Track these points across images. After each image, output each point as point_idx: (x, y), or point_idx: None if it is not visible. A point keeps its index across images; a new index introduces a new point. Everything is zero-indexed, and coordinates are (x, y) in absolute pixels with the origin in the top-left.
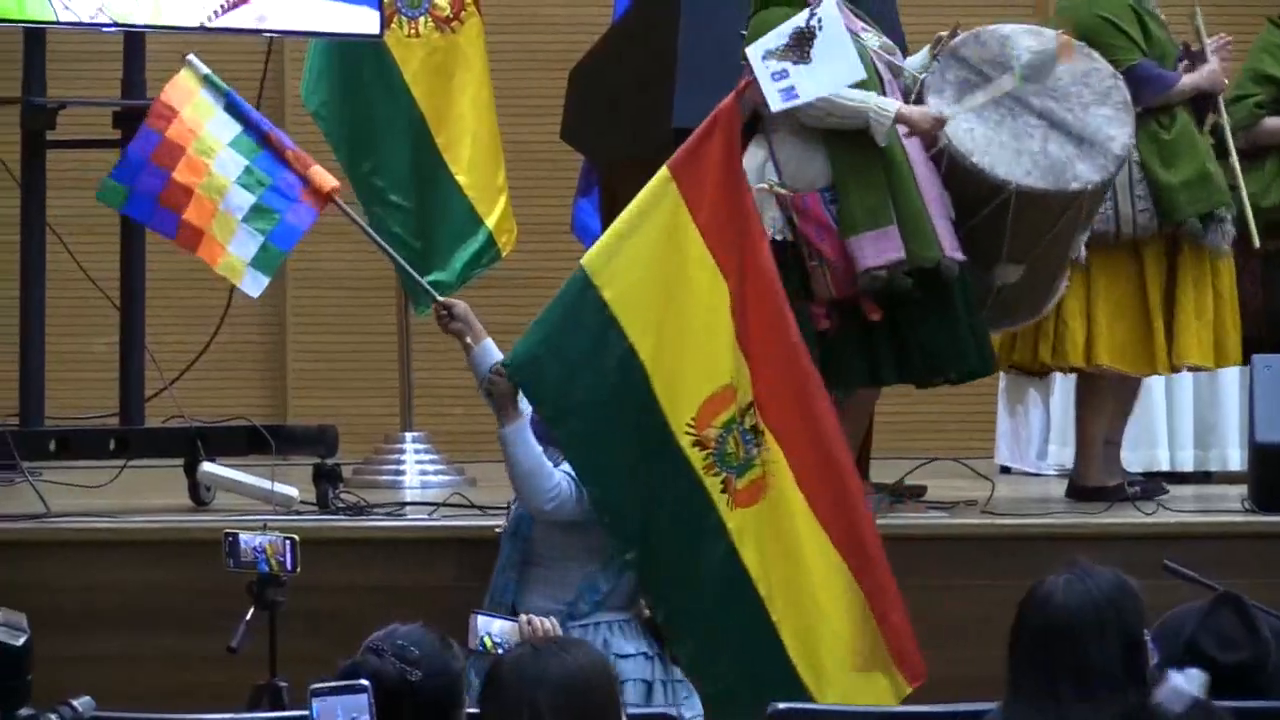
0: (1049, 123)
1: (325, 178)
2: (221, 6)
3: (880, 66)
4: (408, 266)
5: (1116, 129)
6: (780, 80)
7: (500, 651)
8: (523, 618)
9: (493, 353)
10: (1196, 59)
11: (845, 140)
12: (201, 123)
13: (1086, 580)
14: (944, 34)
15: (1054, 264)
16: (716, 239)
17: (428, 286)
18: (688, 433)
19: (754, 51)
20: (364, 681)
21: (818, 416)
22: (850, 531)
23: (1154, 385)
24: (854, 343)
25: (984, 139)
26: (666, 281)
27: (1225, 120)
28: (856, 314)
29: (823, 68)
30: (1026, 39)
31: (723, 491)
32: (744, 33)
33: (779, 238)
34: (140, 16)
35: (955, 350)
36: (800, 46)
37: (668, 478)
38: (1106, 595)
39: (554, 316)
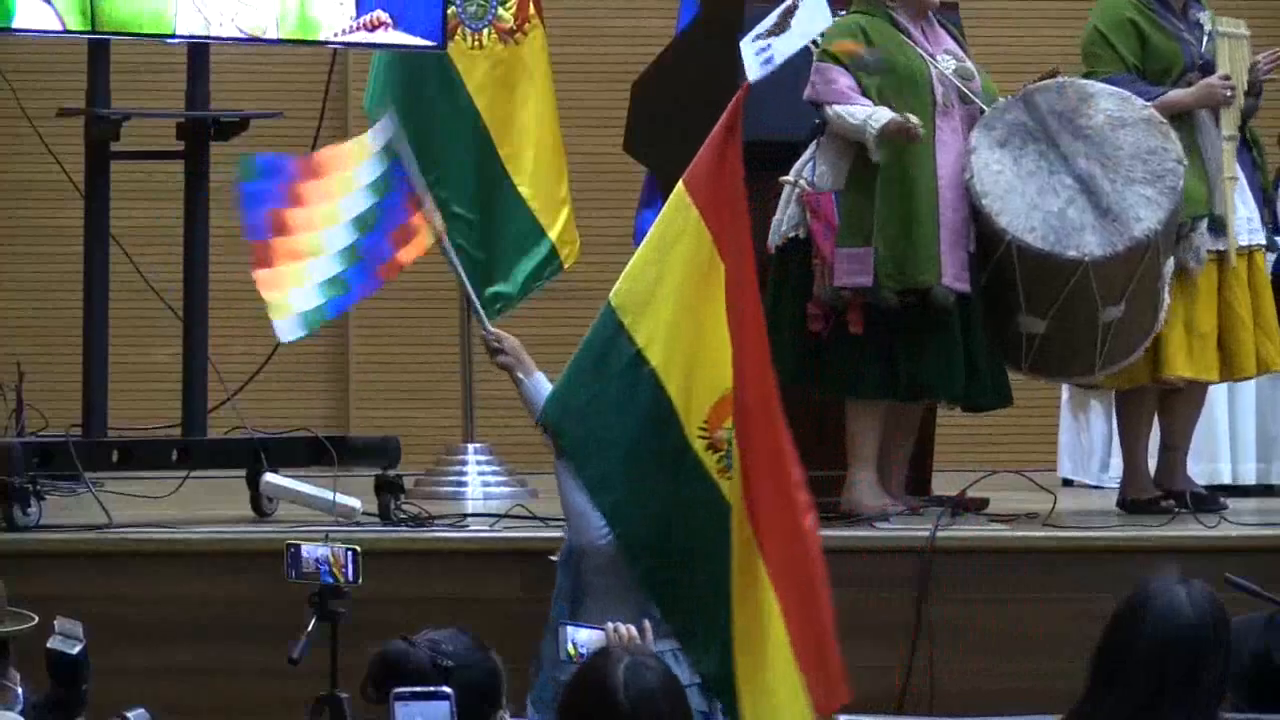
0: (1082, 187)
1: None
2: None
3: (938, 89)
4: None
5: (1148, 212)
6: (761, 54)
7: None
8: (609, 626)
9: (544, 387)
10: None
11: (862, 151)
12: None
13: (1204, 592)
14: (1046, 72)
15: (1080, 326)
16: (726, 244)
17: (483, 319)
18: (700, 436)
19: (745, 39)
20: (446, 689)
21: (777, 433)
22: (784, 546)
23: (1216, 399)
24: (843, 349)
25: (1006, 185)
26: (683, 290)
27: (1225, 134)
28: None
29: (796, 28)
30: (1109, 102)
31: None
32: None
33: (793, 234)
34: (210, 29)
35: (942, 376)
36: (782, 21)
37: (684, 484)
38: (1222, 609)
39: (587, 364)
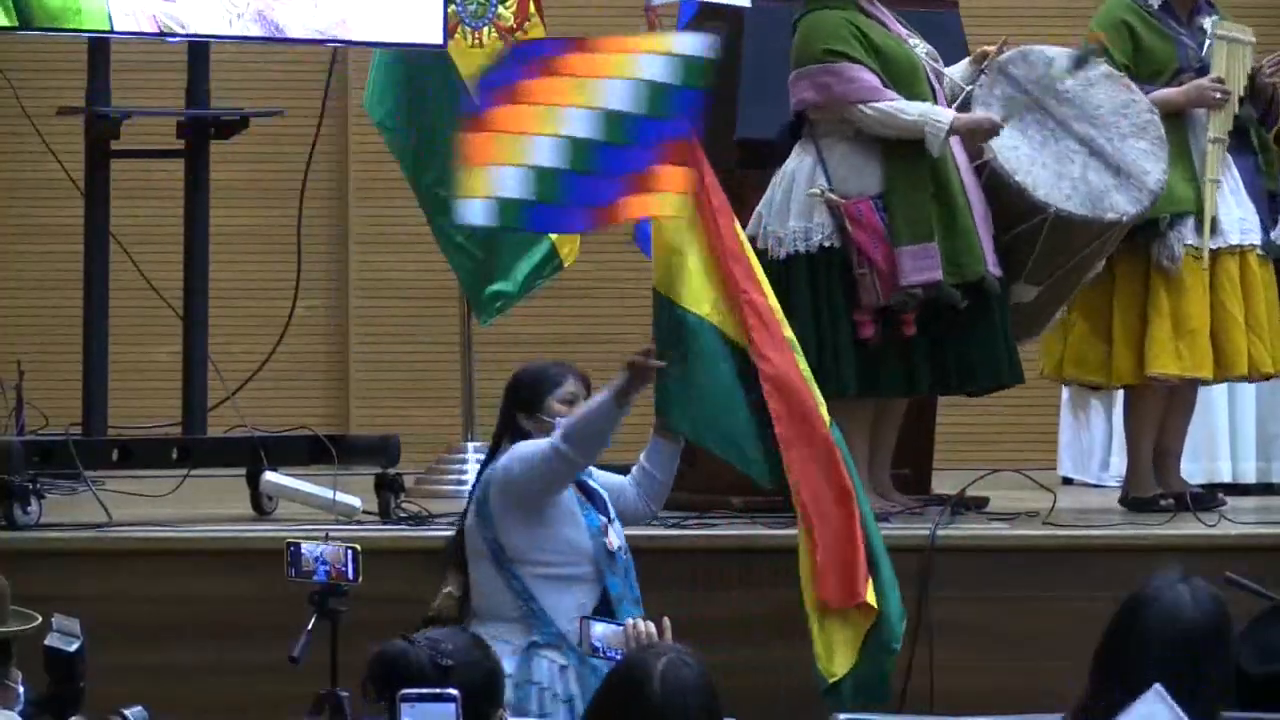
0: (1089, 150)
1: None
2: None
3: (930, 73)
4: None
5: (1152, 164)
6: None
7: (607, 655)
8: (629, 622)
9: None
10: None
11: (899, 150)
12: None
13: (1206, 590)
14: (989, 48)
15: (1067, 289)
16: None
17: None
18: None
19: None
20: (452, 690)
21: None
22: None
23: (1216, 397)
24: (894, 352)
25: (1027, 158)
26: (697, 248)
27: (1212, 135)
28: (898, 323)
29: None
30: (1067, 60)
31: None
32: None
33: (826, 244)
34: (204, 25)
35: (990, 363)
36: None
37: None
38: (1224, 607)
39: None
